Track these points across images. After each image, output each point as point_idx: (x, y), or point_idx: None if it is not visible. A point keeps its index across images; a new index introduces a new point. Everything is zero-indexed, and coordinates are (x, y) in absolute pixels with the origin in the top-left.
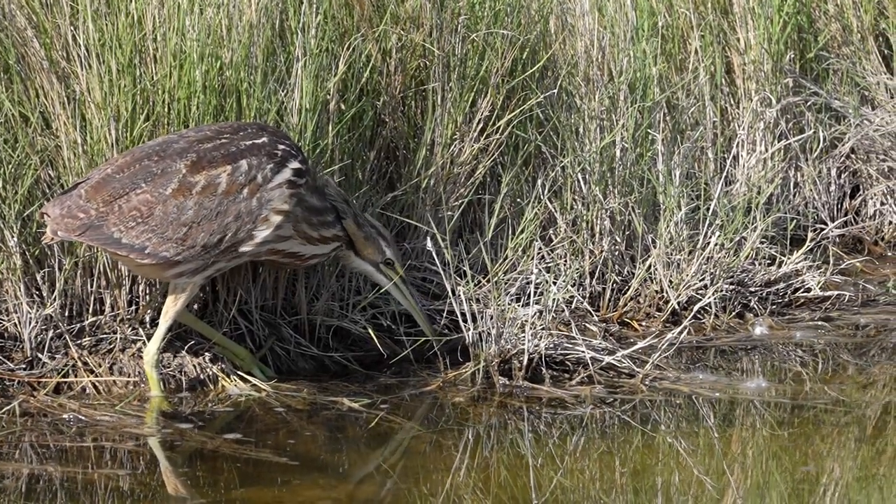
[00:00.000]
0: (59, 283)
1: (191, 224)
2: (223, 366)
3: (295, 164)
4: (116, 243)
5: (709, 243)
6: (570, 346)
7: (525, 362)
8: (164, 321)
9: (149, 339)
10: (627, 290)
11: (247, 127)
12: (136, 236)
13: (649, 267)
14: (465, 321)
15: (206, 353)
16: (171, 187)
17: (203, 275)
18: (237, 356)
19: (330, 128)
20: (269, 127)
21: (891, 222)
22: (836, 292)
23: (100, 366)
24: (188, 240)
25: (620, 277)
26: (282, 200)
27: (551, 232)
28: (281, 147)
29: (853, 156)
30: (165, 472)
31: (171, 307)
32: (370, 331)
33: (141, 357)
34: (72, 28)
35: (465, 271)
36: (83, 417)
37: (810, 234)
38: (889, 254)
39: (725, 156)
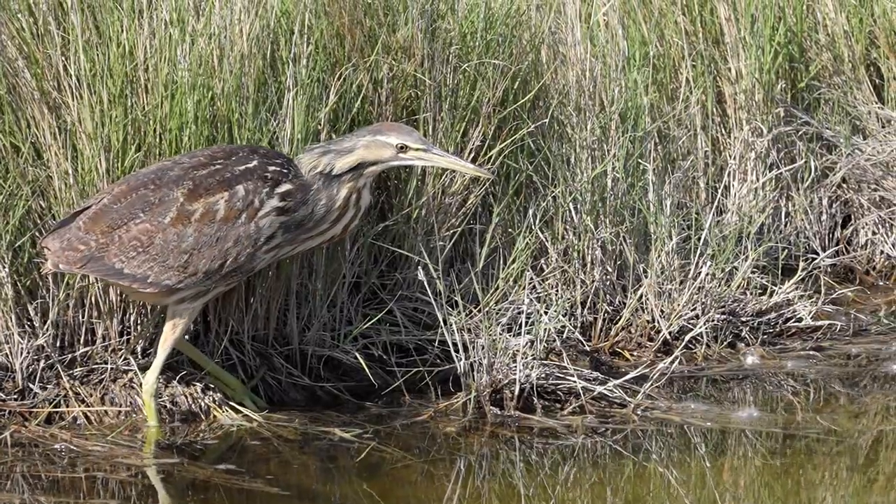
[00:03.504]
0: (52, 313)
1: (191, 251)
2: (214, 396)
3: (283, 187)
4: (118, 274)
5: (700, 273)
6: (562, 375)
7: (516, 392)
8: (163, 350)
9: (141, 369)
10: (619, 319)
11: (238, 150)
12: (137, 266)
13: (641, 297)
14: (456, 351)
15: (198, 384)
16: (170, 216)
17: (204, 299)
18: (229, 386)
19: None
20: (261, 148)
21: (882, 252)
22: (827, 322)
23: (91, 396)
24: (189, 267)
25: (612, 307)
26: (271, 230)
27: (542, 262)
28: (271, 169)
29: (844, 185)
30: (157, 503)
31: (170, 335)
32: (361, 361)
33: (132, 387)
34: (63, 58)
35: (456, 301)
36: (75, 447)
37: (802, 264)
38: (881, 283)
39: (717, 185)
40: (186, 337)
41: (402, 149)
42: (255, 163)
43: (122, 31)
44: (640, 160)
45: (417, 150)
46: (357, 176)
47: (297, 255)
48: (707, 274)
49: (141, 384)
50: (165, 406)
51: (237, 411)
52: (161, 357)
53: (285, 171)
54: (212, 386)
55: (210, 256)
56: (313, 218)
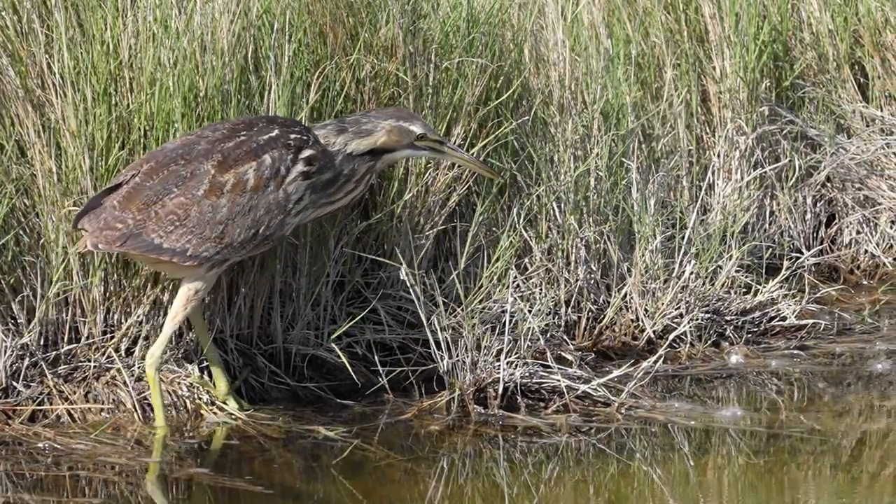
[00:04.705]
0: (39, 311)
1: (226, 222)
2: (199, 394)
3: (306, 153)
4: (158, 249)
5: (684, 272)
6: (546, 374)
7: (500, 391)
8: (173, 322)
9: (125, 367)
10: (603, 318)
11: (257, 121)
12: (176, 240)
13: (625, 296)
14: (439, 350)
15: (182, 382)
16: (203, 188)
17: (227, 264)
18: (216, 383)
19: None
20: (278, 118)
21: (866, 251)
22: (811, 321)
23: (75, 393)
24: (226, 237)
25: (596, 306)
26: (298, 194)
27: (526, 261)
28: (293, 136)
29: (829, 184)
30: (141, 501)
31: (181, 309)
32: (345, 359)
33: (115, 384)
34: (47, 56)
35: (439, 300)
36: (58, 446)
37: (786, 263)
38: (865, 282)
39: (701, 184)
40: (180, 327)
41: (421, 138)
42: (276, 132)
43: (106, 28)
44: (623, 159)
45: (434, 141)
46: (375, 160)
47: (279, 253)
48: (691, 273)
49: (124, 382)
50: (150, 403)
51: (222, 409)
52: (168, 330)
53: (305, 137)
54: (196, 385)
55: (244, 226)
56: (339, 180)
